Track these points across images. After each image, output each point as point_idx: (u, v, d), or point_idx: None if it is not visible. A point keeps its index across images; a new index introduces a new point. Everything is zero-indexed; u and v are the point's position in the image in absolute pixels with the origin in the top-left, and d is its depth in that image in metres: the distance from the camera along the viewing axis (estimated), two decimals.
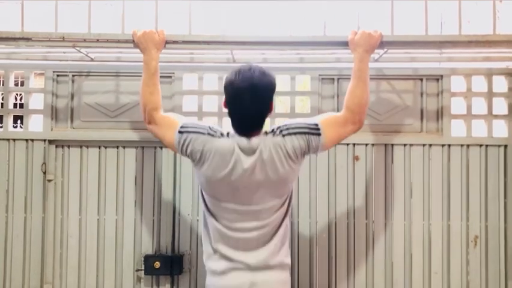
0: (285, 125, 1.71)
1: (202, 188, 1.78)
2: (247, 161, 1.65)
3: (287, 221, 1.79)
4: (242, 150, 1.66)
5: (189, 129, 1.73)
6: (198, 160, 1.71)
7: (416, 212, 2.31)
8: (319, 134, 1.71)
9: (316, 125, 1.72)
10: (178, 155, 2.31)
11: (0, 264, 2.32)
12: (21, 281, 2.31)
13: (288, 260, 1.79)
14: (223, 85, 1.71)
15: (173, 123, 1.80)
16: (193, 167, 1.80)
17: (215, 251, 1.75)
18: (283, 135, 1.68)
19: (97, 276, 2.31)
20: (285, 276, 1.77)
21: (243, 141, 1.66)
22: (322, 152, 1.82)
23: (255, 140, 1.66)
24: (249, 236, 1.71)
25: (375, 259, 2.30)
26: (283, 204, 1.76)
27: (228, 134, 1.71)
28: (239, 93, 1.63)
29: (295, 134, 1.69)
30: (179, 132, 1.74)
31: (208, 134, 1.70)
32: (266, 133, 1.70)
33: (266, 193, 1.70)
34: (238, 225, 1.71)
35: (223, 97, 1.71)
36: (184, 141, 1.71)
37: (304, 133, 1.69)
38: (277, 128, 1.70)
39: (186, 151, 1.73)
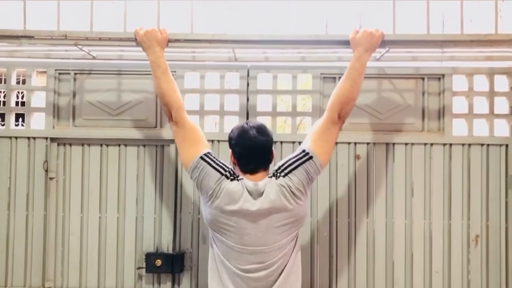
0: (280, 168, 1.77)
1: (210, 227, 1.80)
2: (255, 204, 1.70)
3: (296, 254, 1.81)
4: (250, 193, 1.71)
5: (211, 162, 1.77)
6: (208, 196, 1.75)
7: (417, 211, 2.31)
8: (311, 157, 1.77)
9: (304, 150, 1.79)
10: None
11: (2, 261, 2.32)
12: (23, 278, 2.32)
13: None
14: (229, 136, 1.86)
15: (199, 143, 1.85)
16: (200, 202, 1.87)
17: None
18: (284, 176, 1.74)
19: (98, 273, 2.32)
20: None
21: (250, 184, 1.73)
22: (325, 167, 1.86)
23: (261, 183, 1.73)
24: (257, 276, 1.72)
25: (376, 258, 2.30)
26: (292, 241, 1.78)
27: (237, 177, 1.76)
28: (250, 136, 1.79)
29: (292, 171, 1.75)
30: (202, 158, 1.78)
31: (225, 176, 1.74)
32: (270, 177, 1.77)
33: (274, 233, 1.72)
34: (247, 266, 1.72)
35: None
36: (201, 170, 1.76)
37: (299, 165, 1.76)
38: (277, 171, 1.77)
39: (197, 179, 1.78)
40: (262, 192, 1.71)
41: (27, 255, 2.33)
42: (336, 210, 2.32)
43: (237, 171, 1.80)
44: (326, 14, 2.07)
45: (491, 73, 2.34)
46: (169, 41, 1.98)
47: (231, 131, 1.86)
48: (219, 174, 1.74)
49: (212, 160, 1.78)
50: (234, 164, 1.83)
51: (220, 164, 1.78)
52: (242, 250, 1.71)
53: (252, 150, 1.77)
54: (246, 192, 1.71)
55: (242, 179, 1.75)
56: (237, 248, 1.72)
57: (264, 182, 1.74)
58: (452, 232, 2.30)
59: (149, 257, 2.27)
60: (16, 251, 2.33)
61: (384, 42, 1.98)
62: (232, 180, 1.74)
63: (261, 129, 1.79)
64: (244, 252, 1.72)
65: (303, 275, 2.26)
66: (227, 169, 1.77)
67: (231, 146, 1.84)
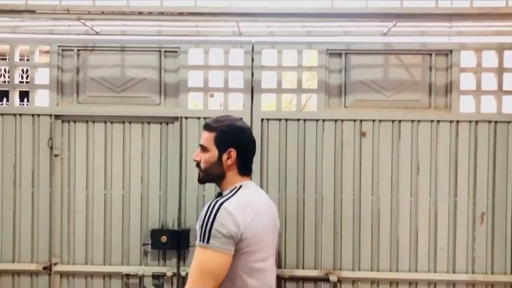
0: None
1: (247, 254, 1.59)
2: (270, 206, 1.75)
3: None
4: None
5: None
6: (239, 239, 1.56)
7: (422, 189, 2.30)
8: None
9: None
10: (184, 130, 2.30)
11: (10, 238, 2.34)
12: (30, 254, 2.34)
13: None
14: (230, 134, 1.69)
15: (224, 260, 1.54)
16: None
17: None
18: None
19: (104, 250, 2.34)
20: None
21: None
22: None
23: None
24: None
25: (380, 235, 2.30)
26: None
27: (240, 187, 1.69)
28: (252, 136, 1.75)
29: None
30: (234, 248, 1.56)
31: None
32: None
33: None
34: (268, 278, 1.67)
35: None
36: (242, 239, 1.55)
37: None
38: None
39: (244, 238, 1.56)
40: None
41: (34, 231, 2.34)
42: (341, 188, 2.31)
43: (233, 175, 1.69)
44: None
45: (500, 48, 2.29)
46: (172, 14, 1.95)
47: (234, 126, 1.70)
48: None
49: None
50: (229, 166, 1.68)
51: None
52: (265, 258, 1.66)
53: (255, 150, 1.76)
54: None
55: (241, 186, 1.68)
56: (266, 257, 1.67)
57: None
58: (458, 209, 2.29)
59: (155, 234, 2.28)
60: (23, 228, 2.34)
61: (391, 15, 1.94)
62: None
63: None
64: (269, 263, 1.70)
65: (309, 250, 2.28)
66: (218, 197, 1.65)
67: (236, 145, 1.67)
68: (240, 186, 1.67)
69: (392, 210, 2.30)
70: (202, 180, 1.77)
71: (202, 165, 1.70)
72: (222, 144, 1.66)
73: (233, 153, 1.66)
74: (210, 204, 1.57)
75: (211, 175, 1.71)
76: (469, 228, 2.29)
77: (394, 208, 2.30)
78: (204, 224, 1.52)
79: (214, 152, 1.67)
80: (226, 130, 1.67)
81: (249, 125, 1.74)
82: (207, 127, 1.70)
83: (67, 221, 2.34)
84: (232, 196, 1.61)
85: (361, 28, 2.27)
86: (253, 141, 1.74)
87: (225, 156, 1.66)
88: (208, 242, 1.50)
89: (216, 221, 1.51)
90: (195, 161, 1.73)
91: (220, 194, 1.73)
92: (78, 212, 2.34)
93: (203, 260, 1.51)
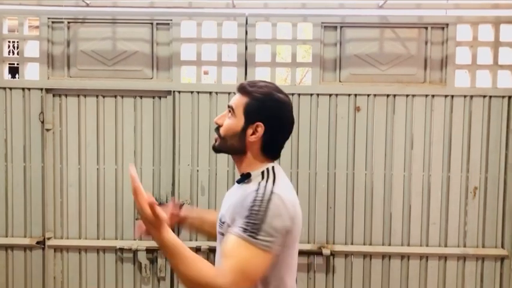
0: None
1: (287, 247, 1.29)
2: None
3: None
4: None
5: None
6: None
7: (416, 163, 2.30)
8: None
9: None
10: (177, 104, 2.28)
11: (2, 212, 2.33)
12: (23, 229, 2.34)
13: None
14: (270, 105, 1.34)
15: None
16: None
17: None
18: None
19: (97, 224, 2.34)
20: None
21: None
22: None
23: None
24: None
25: (374, 210, 2.31)
26: None
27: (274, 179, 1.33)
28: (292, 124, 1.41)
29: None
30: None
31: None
32: None
33: None
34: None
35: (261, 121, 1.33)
36: (290, 232, 1.26)
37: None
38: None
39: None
40: None
41: (27, 206, 2.33)
42: (335, 162, 2.30)
43: (256, 155, 1.36)
44: None
45: (497, 22, 2.27)
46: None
47: (271, 97, 1.34)
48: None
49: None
50: (252, 143, 1.34)
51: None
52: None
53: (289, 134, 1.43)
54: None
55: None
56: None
57: None
58: (451, 184, 2.30)
59: None
60: (15, 202, 2.33)
61: None
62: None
63: None
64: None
65: (302, 225, 2.29)
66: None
67: (267, 120, 1.33)
68: (273, 168, 1.36)
69: (385, 185, 2.31)
70: (217, 149, 1.42)
71: (222, 131, 1.37)
72: (251, 114, 1.34)
73: (260, 128, 1.33)
74: (258, 189, 1.26)
75: (229, 146, 1.38)
76: (461, 203, 2.30)
77: (387, 183, 2.30)
78: (254, 213, 1.20)
79: (240, 121, 1.35)
80: (261, 99, 1.34)
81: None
82: (241, 89, 1.38)
83: (60, 195, 2.33)
84: (275, 180, 1.32)
85: (357, 1, 2.23)
86: (291, 122, 1.40)
87: (250, 130, 1.34)
88: (256, 237, 1.18)
89: (269, 211, 1.21)
90: (216, 123, 1.41)
91: (246, 176, 1.37)
92: (71, 186, 2.33)
93: (246, 258, 1.18)
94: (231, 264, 1.18)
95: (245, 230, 1.19)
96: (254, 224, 1.19)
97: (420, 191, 2.31)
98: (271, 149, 1.38)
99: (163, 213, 1.19)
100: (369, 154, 2.30)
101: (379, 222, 2.31)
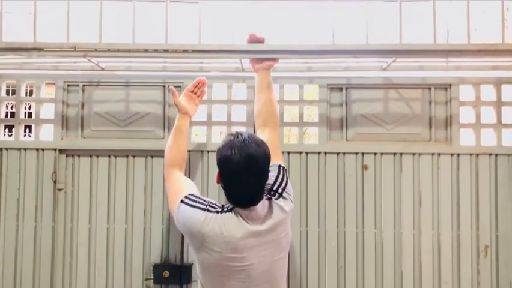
0: (280, 187, 1.71)
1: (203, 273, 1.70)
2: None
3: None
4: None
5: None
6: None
7: (425, 222, 2.30)
8: (287, 179, 1.77)
9: (280, 165, 1.79)
10: (187, 163, 2.32)
11: (11, 272, 2.33)
12: None
13: None
14: (216, 159, 1.60)
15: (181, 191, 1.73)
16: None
17: None
18: (282, 198, 1.69)
19: (106, 285, 2.31)
20: None
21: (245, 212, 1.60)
22: None
23: (259, 208, 1.60)
24: None
25: (384, 269, 2.28)
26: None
27: (227, 208, 1.62)
28: (238, 168, 1.53)
29: (288, 195, 1.72)
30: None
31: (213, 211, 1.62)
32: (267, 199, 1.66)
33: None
34: None
35: (217, 169, 1.61)
36: None
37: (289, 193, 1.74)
38: (275, 192, 1.68)
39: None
40: (263, 217, 1.63)
41: (36, 265, 2.33)
42: (344, 221, 2.31)
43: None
44: (332, 23, 2.07)
45: (498, 83, 2.34)
46: (177, 51, 2.00)
47: (221, 149, 1.60)
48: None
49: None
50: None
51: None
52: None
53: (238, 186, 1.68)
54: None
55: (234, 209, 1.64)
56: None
57: (262, 205, 1.63)
58: (461, 242, 2.28)
59: (157, 268, 2.26)
60: (25, 262, 2.33)
61: (390, 52, 1.99)
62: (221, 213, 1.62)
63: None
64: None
65: (312, 285, 2.26)
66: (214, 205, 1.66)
67: (219, 168, 1.62)
68: (228, 207, 1.62)
69: (395, 244, 2.29)
70: None
71: None
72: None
73: (217, 175, 1.63)
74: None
75: None
76: (473, 262, 2.27)
77: (397, 241, 2.29)
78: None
79: None
80: (218, 147, 1.62)
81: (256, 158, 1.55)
82: None
83: (69, 255, 2.33)
84: (218, 212, 1.62)
85: (361, 63, 2.31)
86: (236, 176, 1.55)
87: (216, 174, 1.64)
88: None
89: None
90: None
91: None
92: (81, 246, 2.33)
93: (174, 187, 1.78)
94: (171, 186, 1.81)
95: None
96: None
97: (430, 250, 2.29)
98: (231, 197, 1.61)
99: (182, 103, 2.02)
100: (378, 212, 2.31)
101: (390, 281, 2.28)
